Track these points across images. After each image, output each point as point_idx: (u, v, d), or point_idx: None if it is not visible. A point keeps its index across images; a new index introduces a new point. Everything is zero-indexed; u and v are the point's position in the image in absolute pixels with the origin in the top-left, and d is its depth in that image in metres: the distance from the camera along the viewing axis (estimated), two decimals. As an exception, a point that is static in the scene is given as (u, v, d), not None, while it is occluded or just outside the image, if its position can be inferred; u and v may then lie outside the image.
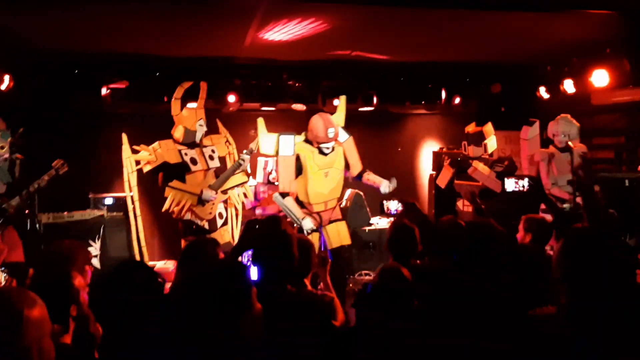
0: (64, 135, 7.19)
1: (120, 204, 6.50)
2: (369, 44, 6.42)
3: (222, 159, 5.88)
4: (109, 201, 6.57)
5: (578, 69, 6.59)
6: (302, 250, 2.87)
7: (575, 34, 5.95)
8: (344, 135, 5.33)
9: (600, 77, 6.22)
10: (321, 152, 5.10)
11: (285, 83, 7.24)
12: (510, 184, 5.36)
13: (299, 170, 5.08)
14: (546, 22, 5.71)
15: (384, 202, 6.63)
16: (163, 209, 5.38)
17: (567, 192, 5.60)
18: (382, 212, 6.58)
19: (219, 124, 6.10)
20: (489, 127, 6.46)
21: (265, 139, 5.28)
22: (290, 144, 5.07)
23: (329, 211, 5.21)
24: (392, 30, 5.91)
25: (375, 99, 7.31)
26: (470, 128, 6.54)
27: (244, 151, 5.66)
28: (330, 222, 5.22)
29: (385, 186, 5.18)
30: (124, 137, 5.56)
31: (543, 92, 7.13)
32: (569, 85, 6.70)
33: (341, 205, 7.01)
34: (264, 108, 7.40)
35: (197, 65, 6.85)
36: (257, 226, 2.94)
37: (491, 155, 6.40)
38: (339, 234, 5.21)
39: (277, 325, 2.33)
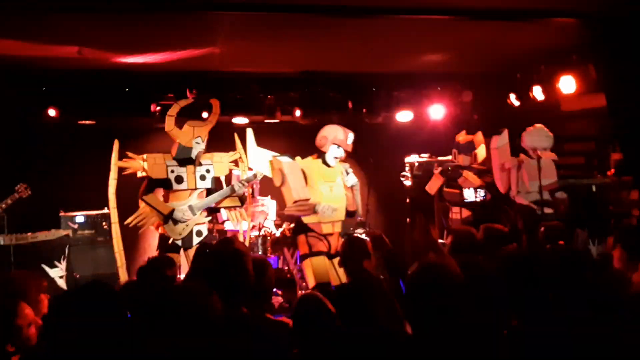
0: (36, 153, 7.17)
1: (91, 222, 6.44)
2: (339, 55, 6.45)
3: (219, 180, 5.68)
4: (80, 219, 6.50)
5: (546, 76, 6.63)
6: (256, 272, 2.80)
7: (542, 42, 6.03)
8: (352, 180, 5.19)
9: (567, 84, 6.26)
10: (325, 163, 5.04)
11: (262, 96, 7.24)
12: (470, 194, 5.38)
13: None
14: (513, 31, 5.78)
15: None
16: (126, 222, 5.28)
17: (530, 202, 5.68)
18: None
19: (237, 140, 5.82)
20: (479, 137, 6.48)
21: (254, 153, 5.22)
22: (285, 158, 5.00)
23: (335, 235, 5.07)
24: (361, 40, 5.95)
25: (349, 109, 7.33)
26: (461, 137, 6.55)
27: (245, 177, 5.55)
28: (338, 253, 4.90)
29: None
30: (116, 143, 5.41)
31: (513, 99, 7.18)
32: (538, 92, 6.73)
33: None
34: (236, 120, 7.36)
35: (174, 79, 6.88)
36: (207, 250, 2.87)
37: (481, 164, 6.43)
38: None
39: (230, 349, 2.30)
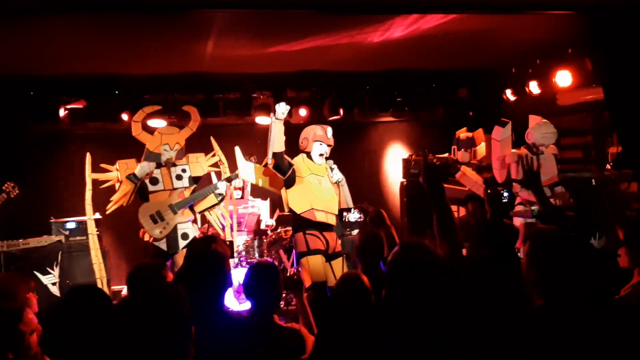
0: (24, 159, 7.05)
1: (83, 228, 6.32)
2: (333, 54, 6.37)
3: (198, 179, 5.58)
4: (71, 225, 6.37)
5: (542, 71, 6.59)
6: (264, 278, 2.70)
7: (537, 36, 5.96)
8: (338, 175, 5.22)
9: (563, 78, 6.24)
10: (310, 159, 5.06)
11: (250, 96, 7.16)
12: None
13: (292, 180, 4.97)
14: (507, 25, 5.71)
15: (344, 213, 6.56)
16: (107, 211, 5.31)
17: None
18: (342, 221, 6.52)
19: (213, 142, 5.80)
20: (480, 134, 6.41)
21: (244, 166, 5.28)
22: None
23: (333, 235, 5.03)
24: (355, 38, 5.87)
25: (341, 108, 7.24)
26: (462, 133, 6.48)
27: (223, 177, 5.50)
28: (335, 253, 5.01)
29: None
30: (88, 156, 5.39)
31: (509, 94, 7.13)
32: (534, 87, 6.70)
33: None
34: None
35: (158, 82, 6.78)
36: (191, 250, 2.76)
37: (480, 161, 6.36)
38: (343, 270, 4.97)
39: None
